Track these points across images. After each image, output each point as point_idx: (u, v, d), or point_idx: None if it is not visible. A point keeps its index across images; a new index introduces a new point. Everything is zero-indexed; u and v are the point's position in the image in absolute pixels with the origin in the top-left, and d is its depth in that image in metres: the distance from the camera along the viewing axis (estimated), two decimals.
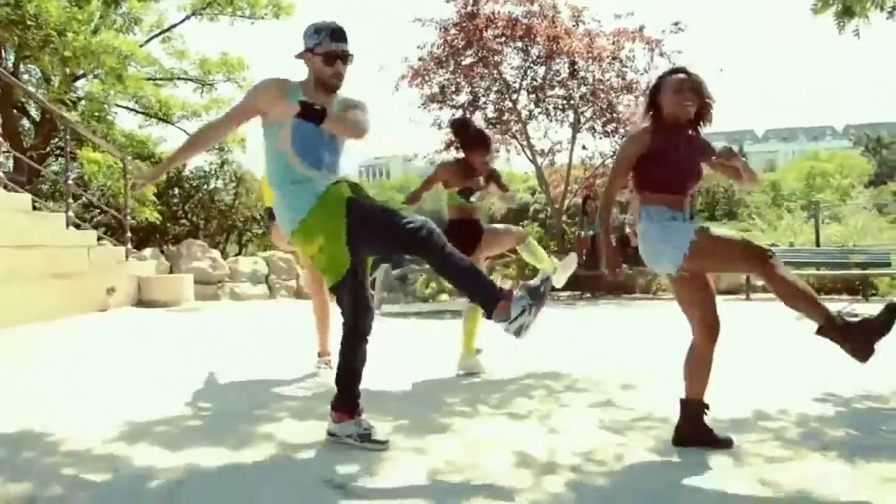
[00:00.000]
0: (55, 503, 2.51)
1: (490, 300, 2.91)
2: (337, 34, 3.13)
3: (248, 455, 3.05)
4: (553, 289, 4.47)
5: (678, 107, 3.04)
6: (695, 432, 3.10)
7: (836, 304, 8.99)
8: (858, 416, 3.66)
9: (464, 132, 4.85)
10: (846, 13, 4.85)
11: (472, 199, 4.73)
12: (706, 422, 3.12)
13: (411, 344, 6.19)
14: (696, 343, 3.09)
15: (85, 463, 2.93)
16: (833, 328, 2.80)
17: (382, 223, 3.01)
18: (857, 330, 2.76)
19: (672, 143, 3.03)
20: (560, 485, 2.70)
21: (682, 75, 3.08)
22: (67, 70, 10.35)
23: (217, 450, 3.11)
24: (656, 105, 3.12)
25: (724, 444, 3.08)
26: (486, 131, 4.92)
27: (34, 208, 7.31)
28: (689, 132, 3.14)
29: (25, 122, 13.88)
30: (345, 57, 3.15)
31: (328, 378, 4.43)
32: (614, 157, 3.05)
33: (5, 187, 6.79)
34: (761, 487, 2.67)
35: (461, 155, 4.87)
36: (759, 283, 11.05)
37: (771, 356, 5.31)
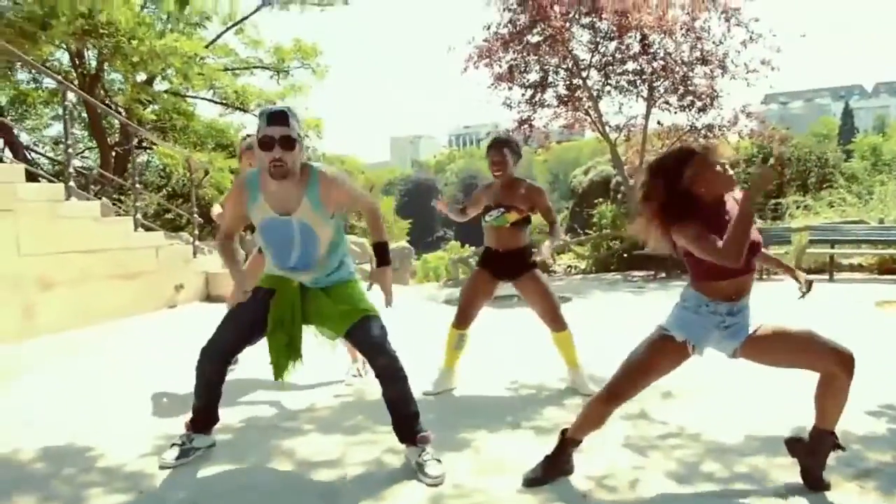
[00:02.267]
0: None
1: (413, 431, 3.12)
2: (274, 117, 2.90)
3: (262, 476, 3.12)
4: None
5: (726, 184, 2.66)
6: (809, 457, 2.79)
7: None
8: None
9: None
10: None
11: (487, 218, 4.34)
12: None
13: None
14: (827, 377, 2.68)
15: (115, 482, 3.07)
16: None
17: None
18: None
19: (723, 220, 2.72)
20: None
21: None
22: (137, 72, 10.78)
23: (236, 468, 3.20)
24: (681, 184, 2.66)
25: (820, 488, 2.75)
26: (502, 136, 4.49)
27: (116, 204, 7.64)
28: None
29: (114, 122, 14.55)
30: (284, 141, 2.88)
31: (359, 384, 4.49)
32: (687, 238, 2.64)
33: (76, 197, 7.12)
34: None
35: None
36: (845, 261, 10.42)
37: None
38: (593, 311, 7.83)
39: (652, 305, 7.59)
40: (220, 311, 7.19)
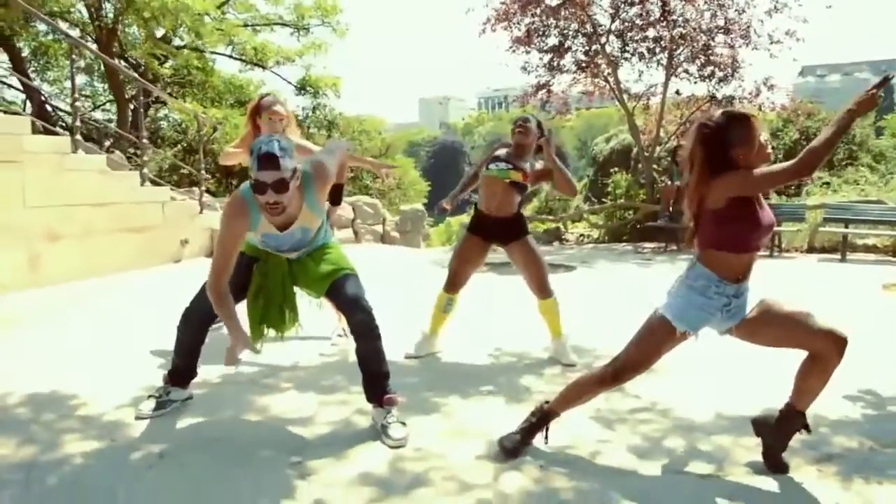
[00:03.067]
0: (47, 469, 2.74)
1: (380, 391, 3.16)
2: (265, 160, 2.75)
3: (234, 430, 3.19)
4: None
5: (767, 155, 2.61)
6: (772, 435, 2.80)
7: None
8: (885, 421, 3.34)
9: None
10: None
11: (491, 167, 4.29)
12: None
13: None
14: (817, 356, 2.65)
15: (91, 430, 3.16)
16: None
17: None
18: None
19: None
20: (515, 485, 2.66)
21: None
22: (151, 28, 10.77)
23: (209, 421, 3.28)
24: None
25: (778, 469, 2.76)
26: (530, 116, 4.47)
27: (131, 158, 7.70)
28: None
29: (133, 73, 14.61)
30: (277, 186, 2.78)
31: (344, 344, 4.55)
32: (739, 183, 2.54)
33: (85, 149, 7.20)
34: (736, 499, 2.53)
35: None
36: (860, 241, 10.25)
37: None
38: (595, 282, 7.82)
39: (655, 279, 7.55)
40: None
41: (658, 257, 10.29)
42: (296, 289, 3.36)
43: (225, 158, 4.69)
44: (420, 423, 3.25)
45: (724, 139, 2.55)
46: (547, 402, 2.98)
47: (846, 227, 9.74)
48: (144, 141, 8.05)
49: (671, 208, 11.01)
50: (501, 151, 4.41)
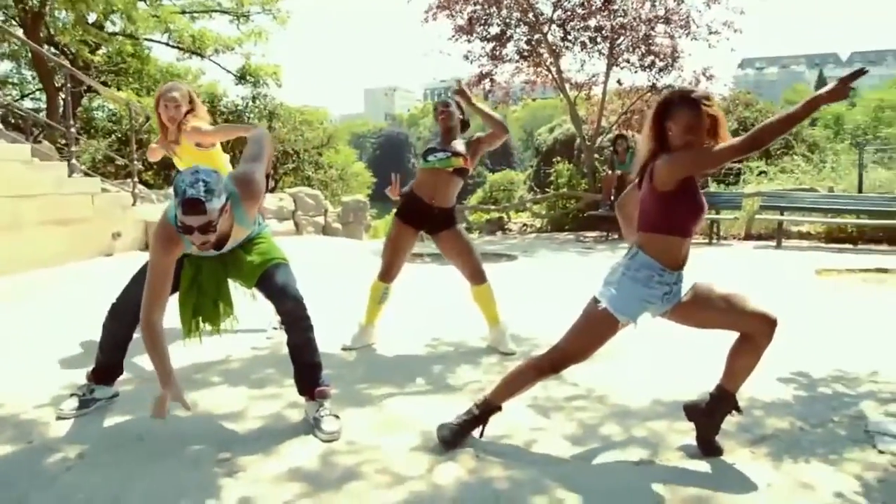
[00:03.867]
0: None
1: (312, 384, 3.07)
2: (188, 205, 2.57)
3: (160, 428, 3.04)
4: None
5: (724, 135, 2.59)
6: (704, 417, 2.79)
7: (872, 258, 8.50)
8: (816, 402, 3.39)
9: None
10: None
11: (430, 158, 4.23)
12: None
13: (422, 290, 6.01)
14: (748, 336, 2.68)
15: (6, 431, 2.99)
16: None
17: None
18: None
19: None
20: (450, 475, 2.61)
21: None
22: (84, 11, 10.34)
23: (132, 418, 3.14)
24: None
25: (712, 452, 2.77)
26: (448, 99, 4.40)
27: (61, 150, 7.39)
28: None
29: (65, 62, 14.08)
30: (204, 228, 2.63)
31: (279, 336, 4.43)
32: (693, 161, 2.54)
33: (7, 138, 6.88)
34: (672, 482, 2.53)
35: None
36: (794, 228, 10.52)
37: None
38: (535, 271, 7.84)
39: (595, 267, 7.57)
40: None
41: (599, 246, 10.39)
42: (229, 281, 3.25)
43: (149, 154, 4.55)
44: (353, 415, 3.17)
45: (667, 116, 2.56)
46: (486, 397, 2.90)
47: (781, 214, 9.97)
48: (73, 131, 7.72)
49: (612, 197, 11.11)
50: (433, 143, 4.36)
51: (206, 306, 3.18)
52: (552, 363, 2.77)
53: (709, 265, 6.90)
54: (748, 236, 10.63)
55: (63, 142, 10.28)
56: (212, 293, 3.17)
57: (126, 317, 3.14)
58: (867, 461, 2.74)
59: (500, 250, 9.55)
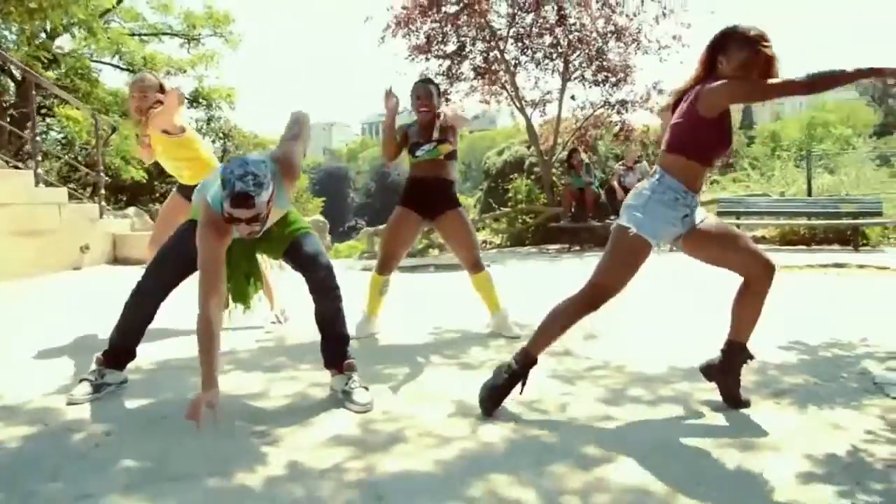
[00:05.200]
0: None
1: (341, 356, 3.05)
2: (238, 199, 2.57)
3: (182, 409, 2.97)
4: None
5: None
6: (722, 374, 2.87)
7: (827, 255, 8.86)
8: (821, 363, 3.55)
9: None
10: None
11: (419, 153, 4.23)
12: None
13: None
14: (748, 282, 2.79)
15: (16, 417, 2.88)
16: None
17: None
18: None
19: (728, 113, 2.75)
20: (496, 433, 2.62)
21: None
22: (40, 25, 10.08)
23: (152, 401, 3.06)
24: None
25: (740, 405, 2.83)
26: (425, 80, 4.38)
27: (16, 167, 7.22)
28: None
29: (8, 82, 13.65)
30: (251, 220, 2.65)
31: (280, 330, 4.38)
32: (746, 89, 2.61)
33: None
34: (705, 434, 2.59)
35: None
36: (749, 233, 10.90)
37: None
38: (510, 276, 7.89)
39: (568, 271, 7.73)
40: (128, 275, 6.93)
41: (564, 255, 10.54)
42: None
43: (142, 155, 4.52)
44: (380, 391, 3.15)
45: (721, 50, 2.67)
46: (523, 348, 2.86)
47: (738, 219, 10.33)
48: (38, 140, 7.50)
49: (573, 209, 11.32)
50: (413, 134, 4.31)
51: (239, 283, 3.17)
52: (592, 298, 2.76)
53: (676, 269, 7.06)
54: None
55: (13, 164, 9.97)
56: (244, 267, 3.15)
57: (151, 297, 3.08)
58: (885, 405, 2.87)
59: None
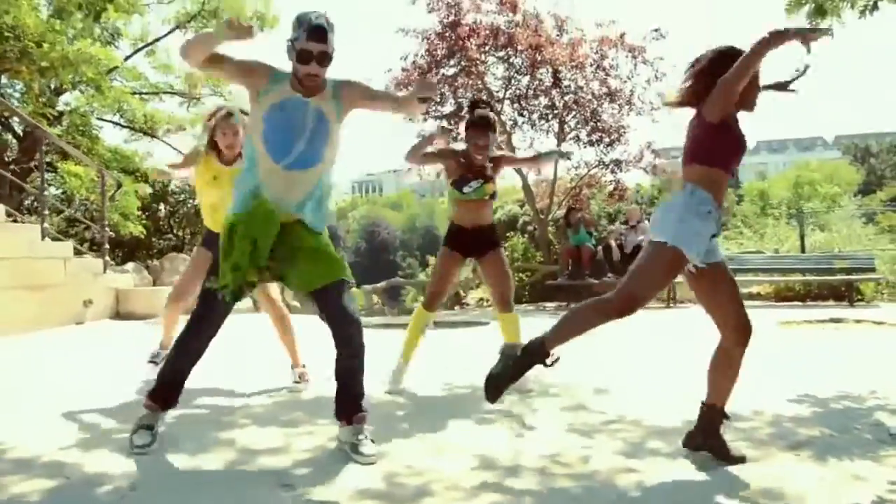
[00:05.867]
0: None
1: (354, 409, 3.04)
2: (315, 32, 2.90)
3: (207, 460, 2.98)
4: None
5: (754, 101, 2.81)
6: (708, 439, 2.90)
7: (823, 311, 8.97)
8: (833, 415, 3.59)
9: (469, 112, 4.48)
10: (818, 12, 4.84)
11: (466, 190, 4.28)
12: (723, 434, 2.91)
13: (390, 354, 6.07)
14: (724, 346, 2.86)
15: (35, 469, 2.86)
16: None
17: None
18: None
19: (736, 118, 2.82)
20: (523, 485, 2.63)
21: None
22: (46, 82, 10.27)
23: (176, 455, 3.04)
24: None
25: (736, 461, 2.83)
26: (488, 112, 4.37)
27: (15, 221, 7.27)
28: None
29: (9, 137, 13.78)
30: (321, 57, 2.93)
31: (303, 388, 4.36)
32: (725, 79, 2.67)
33: None
34: (729, 486, 2.61)
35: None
36: (744, 290, 11.01)
37: (751, 359, 5.19)
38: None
39: None
40: (130, 329, 6.92)
41: (562, 313, 10.58)
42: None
43: (177, 170, 4.54)
44: (402, 444, 3.17)
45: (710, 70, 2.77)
46: (542, 338, 2.84)
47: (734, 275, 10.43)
48: (45, 194, 7.56)
49: (569, 267, 11.41)
50: (461, 164, 4.32)
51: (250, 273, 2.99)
52: (620, 307, 2.72)
53: (675, 327, 7.17)
54: None
55: (13, 218, 10.01)
56: (263, 259, 2.98)
57: (208, 331, 3.07)
58: None
59: (469, 319, 9.64)
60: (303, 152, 3.00)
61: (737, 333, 2.80)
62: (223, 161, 4.33)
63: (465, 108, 4.75)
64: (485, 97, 12.66)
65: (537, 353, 2.81)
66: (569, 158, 4.45)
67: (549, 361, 2.81)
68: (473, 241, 4.39)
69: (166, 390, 3.13)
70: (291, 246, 3.03)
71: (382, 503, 2.50)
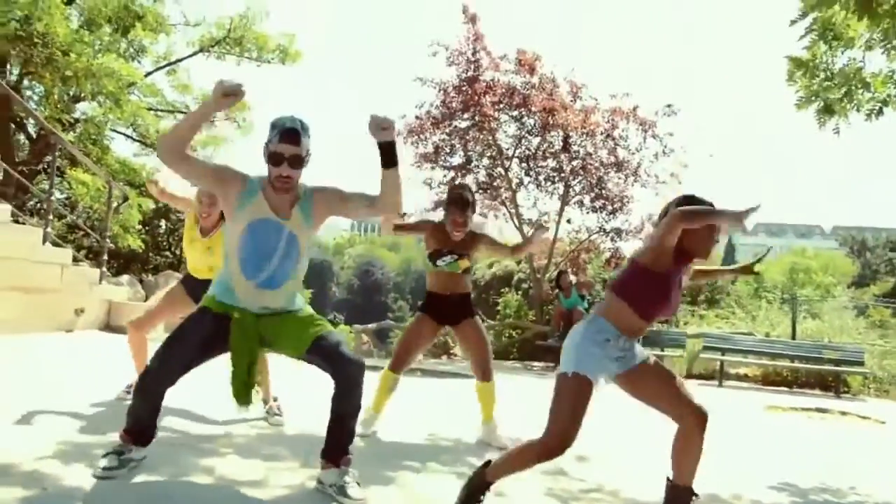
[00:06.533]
0: None
1: (342, 451, 3.06)
2: (287, 135, 2.95)
3: (184, 486, 2.97)
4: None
5: (707, 249, 2.86)
6: None
7: (809, 399, 8.97)
8: None
9: (449, 192, 4.60)
10: (827, 111, 4.99)
11: (440, 263, 4.36)
12: None
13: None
14: (683, 430, 2.85)
15: (11, 477, 2.84)
16: None
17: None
18: None
19: (676, 274, 2.87)
20: None
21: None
22: (67, 89, 10.42)
23: (151, 477, 3.02)
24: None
25: None
26: (467, 193, 4.43)
27: (17, 222, 7.30)
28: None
29: (20, 138, 13.91)
30: (293, 160, 2.96)
31: (280, 422, 4.35)
32: (662, 227, 2.78)
33: None
34: None
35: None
36: (732, 370, 11.03)
37: (735, 442, 5.22)
38: (503, 387, 7.91)
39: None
40: (118, 343, 6.91)
41: (549, 374, 10.57)
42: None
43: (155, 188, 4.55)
44: (382, 492, 3.16)
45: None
46: (485, 468, 2.89)
47: (723, 355, 10.47)
48: (53, 199, 7.61)
49: (560, 329, 11.41)
50: (437, 238, 4.41)
51: (240, 373, 3.10)
52: (549, 449, 2.75)
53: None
54: (689, 375, 11.05)
55: (16, 220, 10.03)
56: (248, 356, 3.10)
57: (166, 380, 3.02)
58: None
59: (456, 370, 9.61)
60: (272, 273, 3.08)
61: (691, 420, 2.81)
62: (201, 229, 4.44)
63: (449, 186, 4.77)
64: (493, 153, 12.86)
65: (482, 484, 2.89)
66: (546, 230, 4.44)
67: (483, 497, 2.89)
68: (449, 308, 4.42)
69: (138, 428, 3.09)
70: (274, 329, 3.12)
71: None
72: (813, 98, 4.94)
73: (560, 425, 2.74)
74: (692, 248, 2.81)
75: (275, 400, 4.53)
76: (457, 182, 12.86)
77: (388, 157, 3.00)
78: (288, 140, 2.95)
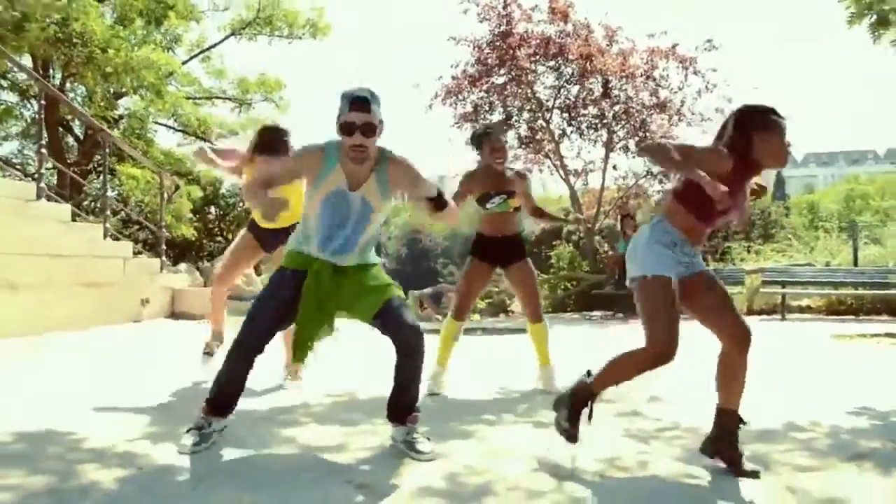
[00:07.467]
0: (76, 495, 2.52)
1: (408, 410, 3.12)
2: (356, 104, 2.94)
3: (270, 456, 3.06)
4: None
5: (781, 158, 2.81)
6: (723, 447, 2.89)
7: (877, 325, 8.77)
8: (893, 427, 3.54)
9: (477, 133, 4.58)
10: (881, 24, 4.78)
11: (489, 206, 4.35)
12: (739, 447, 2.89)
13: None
14: (725, 354, 2.88)
15: (107, 459, 2.95)
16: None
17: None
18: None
19: (740, 188, 2.80)
20: (583, 489, 2.65)
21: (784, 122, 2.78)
22: (109, 86, 10.64)
23: (238, 450, 3.12)
24: (748, 140, 2.77)
25: (749, 475, 2.78)
26: (493, 125, 4.59)
27: (73, 220, 7.53)
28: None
29: (69, 140, 14.26)
30: (365, 129, 2.95)
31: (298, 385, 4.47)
32: (701, 152, 2.73)
33: (47, 198, 6.97)
34: (790, 495, 2.60)
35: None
36: (794, 303, 10.83)
37: (805, 372, 5.16)
38: (561, 338, 7.92)
39: (617, 337, 7.75)
40: (185, 329, 7.07)
41: (609, 322, 10.54)
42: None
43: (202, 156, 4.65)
44: (459, 446, 3.21)
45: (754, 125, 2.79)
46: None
47: (783, 287, 10.29)
48: (108, 196, 7.82)
49: (617, 275, 11.34)
50: (484, 182, 4.38)
51: (307, 331, 3.13)
52: (657, 353, 2.79)
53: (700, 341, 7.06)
54: (750, 311, 10.90)
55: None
56: (319, 319, 3.12)
57: (255, 346, 3.09)
58: None
59: (514, 326, 9.65)
60: (346, 240, 3.11)
61: (735, 342, 2.81)
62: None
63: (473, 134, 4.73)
64: (533, 106, 12.70)
65: (588, 395, 2.97)
66: (581, 223, 4.45)
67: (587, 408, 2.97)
68: (500, 249, 4.44)
69: (222, 398, 3.18)
70: (350, 288, 3.14)
71: (444, 500, 2.55)
72: (865, 11, 4.74)
73: (660, 328, 2.77)
74: (763, 159, 2.77)
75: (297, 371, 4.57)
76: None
77: (439, 201, 3.08)
78: (358, 108, 2.93)
